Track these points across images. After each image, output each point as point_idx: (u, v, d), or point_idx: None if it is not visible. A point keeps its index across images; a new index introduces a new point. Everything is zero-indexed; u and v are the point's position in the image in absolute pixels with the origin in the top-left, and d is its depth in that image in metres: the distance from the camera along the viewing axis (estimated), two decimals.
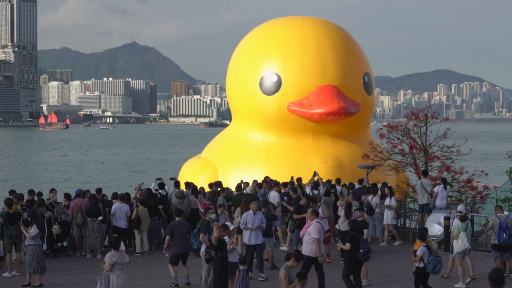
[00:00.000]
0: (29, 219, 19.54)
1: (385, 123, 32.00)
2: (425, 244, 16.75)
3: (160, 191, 25.59)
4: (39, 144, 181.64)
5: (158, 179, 26.61)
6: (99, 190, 24.70)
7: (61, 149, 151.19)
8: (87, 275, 20.16)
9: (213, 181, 27.40)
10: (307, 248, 17.37)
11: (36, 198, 23.52)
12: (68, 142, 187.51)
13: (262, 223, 19.53)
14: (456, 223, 19.32)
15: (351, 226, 17.77)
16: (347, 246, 17.05)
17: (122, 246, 15.38)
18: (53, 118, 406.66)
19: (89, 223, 23.31)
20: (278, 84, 30.69)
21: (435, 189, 25.43)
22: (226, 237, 16.64)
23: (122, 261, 14.79)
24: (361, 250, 16.80)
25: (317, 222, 17.63)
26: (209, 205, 22.63)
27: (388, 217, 25.68)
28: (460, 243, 18.89)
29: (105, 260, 14.85)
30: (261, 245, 19.63)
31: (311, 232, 17.46)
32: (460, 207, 19.59)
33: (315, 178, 27.62)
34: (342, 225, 22.26)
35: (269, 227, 20.55)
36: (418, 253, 16.69)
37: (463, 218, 19.10)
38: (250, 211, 19.65)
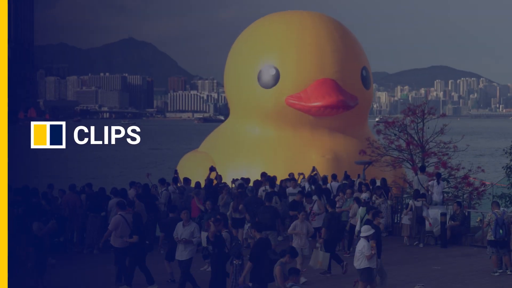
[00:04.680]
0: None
1: (378, 119, 32.15)
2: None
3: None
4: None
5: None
6: (89, 185, 24.53)
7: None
8: (83, 271, 20.15)
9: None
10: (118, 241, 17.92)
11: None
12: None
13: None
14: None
15: None
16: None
17: None
18: (32, 113, 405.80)
19: (91, 219, 23.21)
20: (276, 78, 30.67)
21: (430, 183, 25.49)
22: None
23: None
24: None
25: (119, 214, 18.09)
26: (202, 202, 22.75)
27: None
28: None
29: None
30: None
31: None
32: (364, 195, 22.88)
33: (313, 173, 27.62)
34: (352, 220, 22.32)
35: (273, 220, 20.52)
36: None
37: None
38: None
